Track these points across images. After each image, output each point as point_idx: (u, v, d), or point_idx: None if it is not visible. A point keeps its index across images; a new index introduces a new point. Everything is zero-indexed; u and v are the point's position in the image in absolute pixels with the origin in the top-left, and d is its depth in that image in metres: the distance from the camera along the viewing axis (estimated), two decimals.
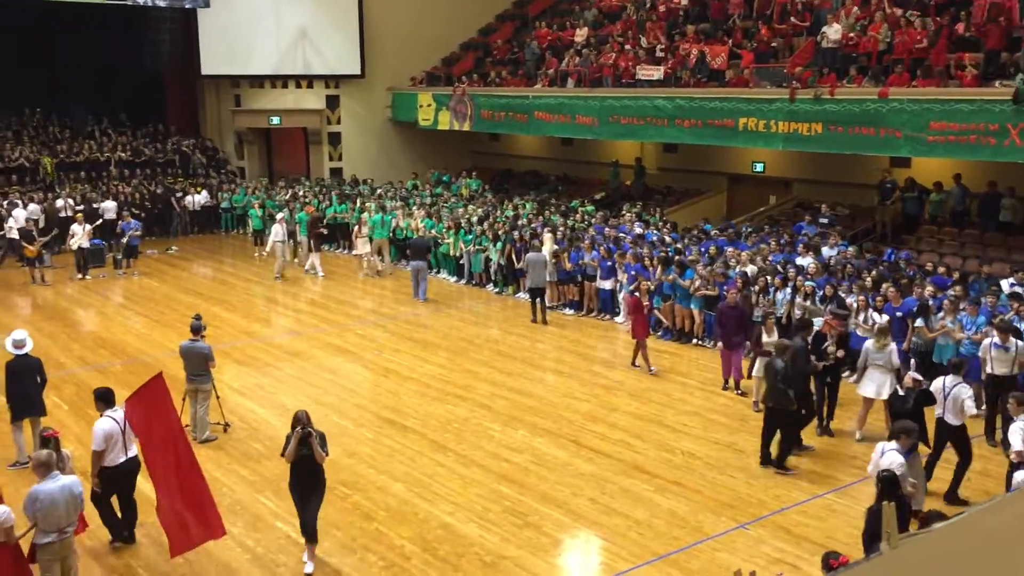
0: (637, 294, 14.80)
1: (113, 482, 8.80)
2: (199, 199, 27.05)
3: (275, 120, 29.03)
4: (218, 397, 11.91)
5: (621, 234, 19.08)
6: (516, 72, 26.54)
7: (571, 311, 18.32)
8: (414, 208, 23.05)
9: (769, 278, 15.16)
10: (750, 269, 15.87)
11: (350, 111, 29.72)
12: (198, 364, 11.41)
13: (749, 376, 13.00)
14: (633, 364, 14.72)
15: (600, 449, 11.39)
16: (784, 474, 10.62)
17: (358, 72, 29.03)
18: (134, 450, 8.93)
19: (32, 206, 23.77)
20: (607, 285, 17.69)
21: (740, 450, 11.37)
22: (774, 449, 10.81)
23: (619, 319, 17.56)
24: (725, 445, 11.54)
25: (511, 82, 25.96)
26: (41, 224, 22.66)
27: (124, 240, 21.67)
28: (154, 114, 30.30)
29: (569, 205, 23.29)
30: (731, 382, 13.60)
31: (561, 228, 19.90)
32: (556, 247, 18.26)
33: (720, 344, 13.97)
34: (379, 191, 25.89)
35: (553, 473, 10.67)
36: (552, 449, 11.40)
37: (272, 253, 21.61)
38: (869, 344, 11.51)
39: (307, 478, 8.44)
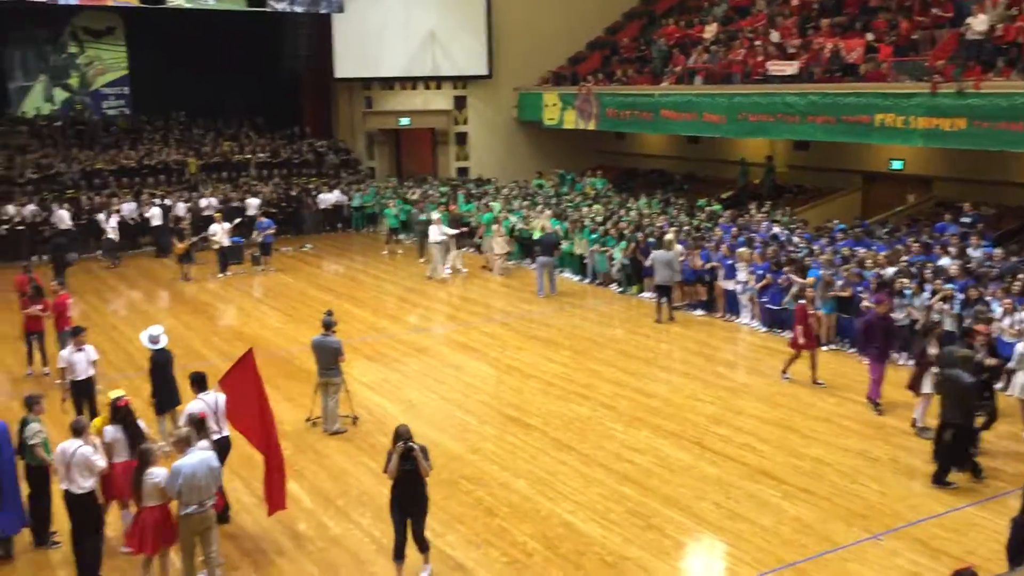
0: (803, 302, 13.72)
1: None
2: (331, 198, 27.94)
3: (404, 121, 29.67)
4: (347, 391, 12.27)
5: (751, 234, 18.65)
6: (642, 70, 26.32)
7: (700, 311, 18.02)
8: (539, 207, 23.16)
9: (906, 280, 14.51)
10: (887, 271, 15.23)
11: (477, 111, 30.10)
12: (329, 358, 11.77)
13: (914, 391, 11.73)
14: (784, 374, 13.82)
15: (725, 452, 11.19)
16: (947, 488, 10.10)
17: (485, 73, 29.37)
18: (226, 430, 9.48)
19: (180, 205, 25.09)
20: (729, 285, 17.35)
21: (873, 458, 10.96)
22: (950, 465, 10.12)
23: (740, 319, 17.21)
24: (857, 452, 11.14)
25: (637, 80, 25.75)
26: (187, 222, 23.87)
27: (259, 238, 22.60)
28: (290, 117, 31.43)
29: (695, 204, 22.94)
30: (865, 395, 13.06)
31: (686, 227, 19.62)
32: (680, 246, 18.02)
33: (867, 355, 12.91)
34: (504, 190, 26.12)
35: (676, 475, 10.54)
36: (675, 451, 11.26)
37: (429, 254, 21.68)
38: (1021, 347, 10.96)
39: (410, 495, 8.18)
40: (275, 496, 9.23)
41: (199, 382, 9.68)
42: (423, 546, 8.31)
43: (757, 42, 22.97)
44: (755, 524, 9.32)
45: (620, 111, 25.29)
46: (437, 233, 21.09)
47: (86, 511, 8.37)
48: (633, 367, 14.74)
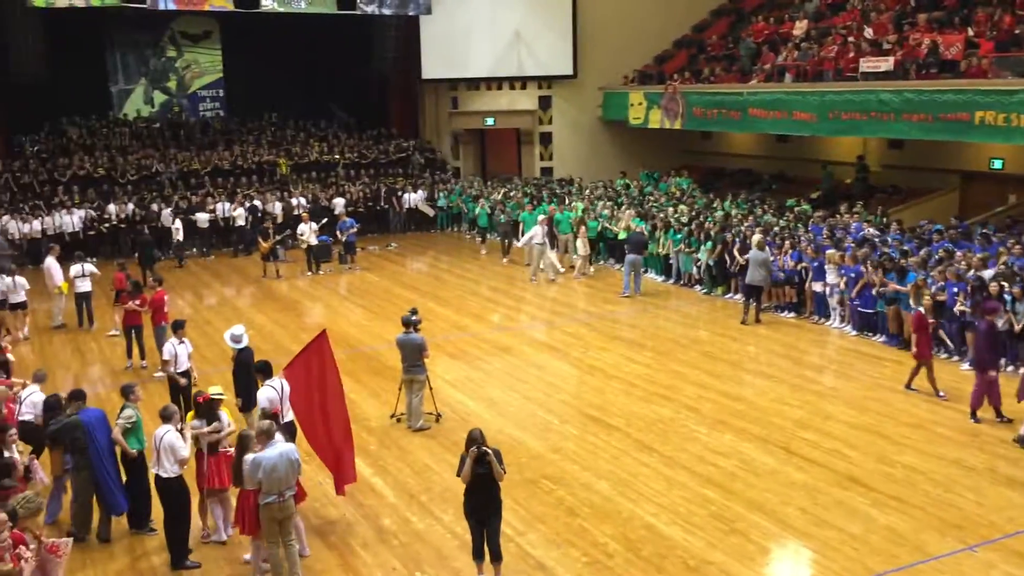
0: (922, 309, 13.24)
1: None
2: (416, 198, 28.29)
3: (489, 121, 29.84)
4: (431, 388, 12.40)
5: (842, 235, 18.18)
6: (730, 68, 25.93)
7: (790, 313, 17.66)
8: (623, 207, 23.04)
9: (1006, 284, 13.92)
10: (986, 274, 14.65)
11: (561, 111, 30.07)
12: (413, 355, 11.91)
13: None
14: (908, 387, 13.25)
15: (812, 458, 10.94)
16: None
17: (570, 72, 29.32)
18: (290, 415, 9.82)
19: (276, 204, 25.73)
20: (818, 287, 16.97)
21: (969, 467, 10.58)
22: None
23: (830, 322, 16.82)
24: (951, 461, 10.77)
25: (725, 79, 25.39)
26: (279, 221, 24.50)
27: (343, 237, 22.97)
28: (378, 117, 31.92)
29: (784, 204, 22.49)
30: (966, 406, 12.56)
31: (775, 228, 19.26)
32: (767, 247, 17.70)
33: (977, 365, 12.14)
34: (587, 190, 26.05)
35: (761, 480, 10.36)
36: (761, 455, 11.06)
37: (531, 254, 21.55)
38: None
39: (485, 499, 8.10)
40: (346, 470, 9.61)
41: (264, 371, 10.19)
42: (496, 555, 8.18)
43: (850, 38, 22.41)
44: (843, 532, 9.09)
45: (707, 110, 24.96)
46: (539, 234, 20.99)
47: (172, 496, 8.73)
48: (718, 369, 14.53)
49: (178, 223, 24.11)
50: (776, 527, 9.25)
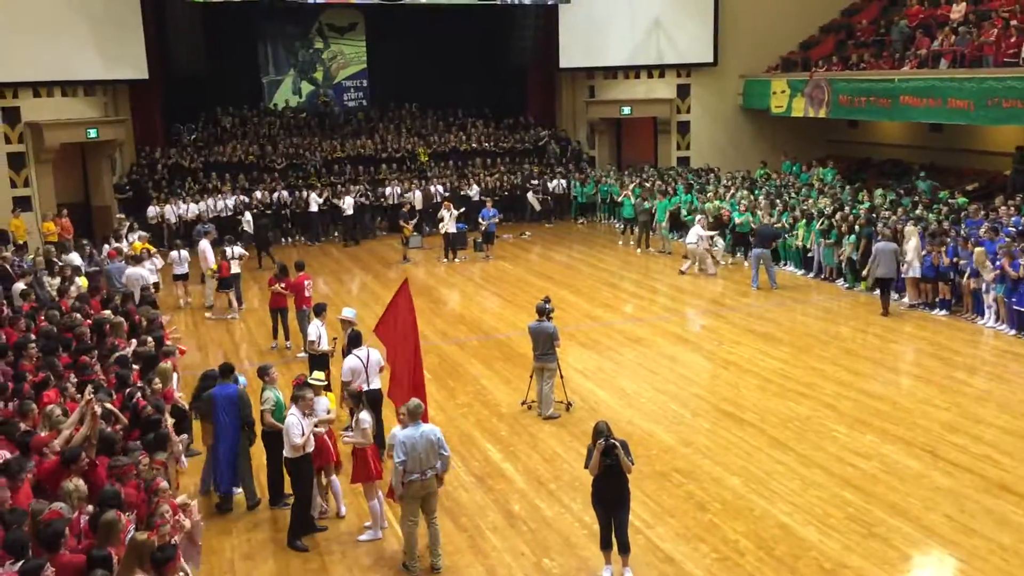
0: None
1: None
2: (552, 185, 28.36)
3: (626, 110, 29.55)
4: (562, 376, 12.43)
5: (997, 229, 17.18)
6: (880, 54, 24.83)
7: (942, 311, 16.83)
8: (760, 198, 22.44)
9: None
10: None
11: (700, 99, 29.48)
12: (545, 344, 11.97)
13: None
14: None
15: (960, 463, 10.41)
16: None
17: (710, 60, 28.71)
18: (376, 383, 10.57)
19: (417, 192, 26.34)
20: (974, 284, 16.09)
21: None
22: None
23: (985, 321, 15.94)
24: None
25: (874, 65, 24.32)
26: (419, 207, 25.08)
27: (483, 226, 23.25)
28: (515, 106, 32.11)
29: (937, 196, 21.40)
30: None
31: (927, 222, 18.35)
32: (915, 241, 16.90)
33: None
34: (724, 180, 25.50)
35: (904, 484, 9.93)
36: (904, 458, 10.60)
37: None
38: None
39: (613, 491, 8.11)
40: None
41: (354, 341, 10.86)
42: (624, 547, 8.15)
43: (1012, 22, 21.08)
44: (992, 541, 8.62)
45: (854, 98, 23.98)
46: (695, 232, 20.60)
47: (293, 475, 9.12)
48: (859, 366, 13.99)
49: (314, 206, 25.27)
50: (919, 533, 8.85)
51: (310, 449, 8.97)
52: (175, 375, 10.94)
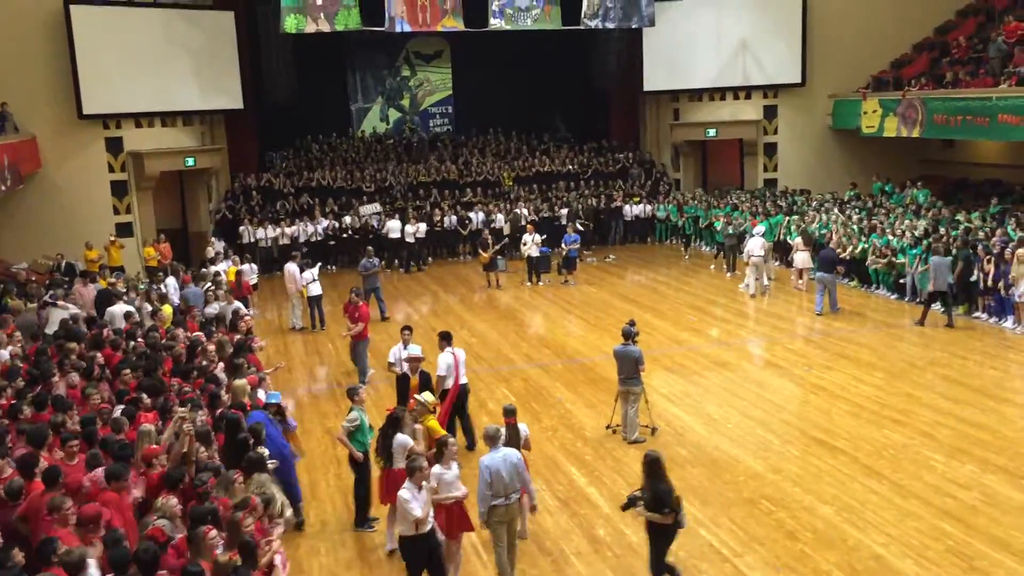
0: None
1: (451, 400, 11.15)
2: (636, 210, 28.25)
3: (711, 132, 29.29)
4: (647, 401, 12.31)
5: None
6: (977, 72, 24.10)
7: None
8: (852, 221, 21.93)
9: None
10: None
11: (787, 120, 29.01)
12: (630, 368, 11.88)
13: None
14: None
15: None
16: None
17: (798, 80, 28.27)
18: (464, 378, 11.67)
19: (499, 216, 26.54)
20: None
21: None
22: None
23: None
24: None
25: (971, 83, 23.61)
26: (506, 232, 25.25)
27: (563, 251, 23.22)
28: (599, 129, 32.14)
29: None
30: None
31: None
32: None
33: None
34: (814, 202, 25.00)
35: (1007, 516, 9.52)
36: (1007, 489, 10.17)
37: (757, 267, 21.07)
38: None
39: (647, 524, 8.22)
40: None
41: (447, 337, 11.92)
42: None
43: None
44: None
45: (950, 116, 23.29)
46: (758, 247, 20.47)
47: (404, 554, 8.15)
48: (958, 394, 13.50)
49: (411, 230, 25.41)
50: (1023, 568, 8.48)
51: (427, 527, 7.88)
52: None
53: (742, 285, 21.23)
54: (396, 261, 26.00)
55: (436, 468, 8.21)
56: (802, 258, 20.58)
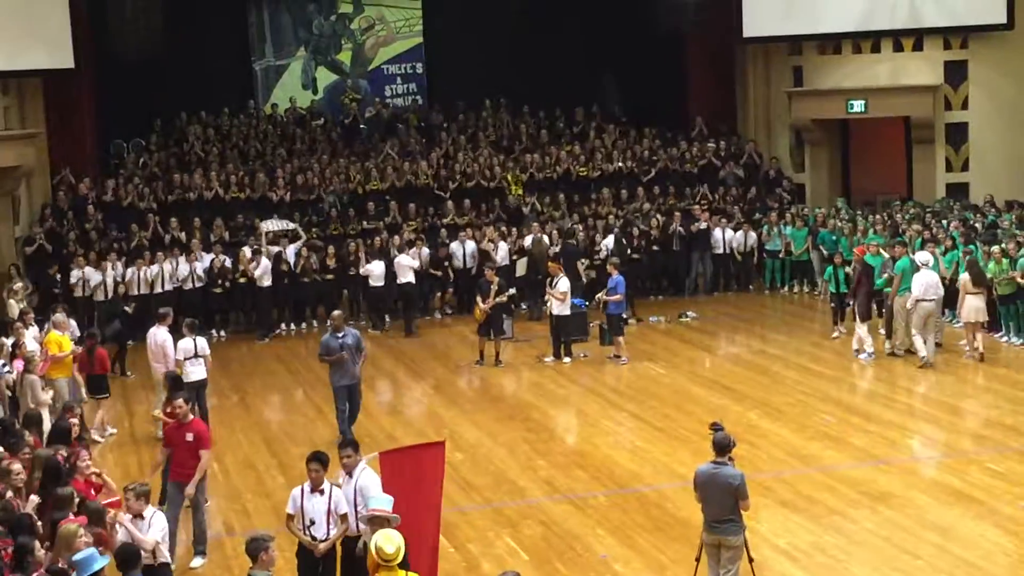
0: None
1: None
2: (729, 236, 28.23)
3: (856, 106, 29.37)
4: (751, 560, 12.12)
5: None
6: None
7: None
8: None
9: None
10: None
11: (985, 86, 29.15)
12: (723, 502, 11.71)
13: None
14: None
15: None
16: None
17: (1002, 20, 28.40)
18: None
19: (501, 245, 26.68)
20: None
21: None
22: None
23: None
24: None
25: None
26: (519, 272, 25.86)
27: (602, 301, 22.93)
28: (665, 104, 32.57)
29: None
30: None
31: None
32: None
33: None
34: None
35: None
36: None
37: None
38: None
39: None
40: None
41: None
42: None
43: None
44: None
45: None
46: (934, 286, 20.76)
47: None
48: None
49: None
50: None
51: None
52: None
53: (863, 351, 21.49)
54: (388, 319, 26.34)
55: None
56: (975, 307, 20.65)
